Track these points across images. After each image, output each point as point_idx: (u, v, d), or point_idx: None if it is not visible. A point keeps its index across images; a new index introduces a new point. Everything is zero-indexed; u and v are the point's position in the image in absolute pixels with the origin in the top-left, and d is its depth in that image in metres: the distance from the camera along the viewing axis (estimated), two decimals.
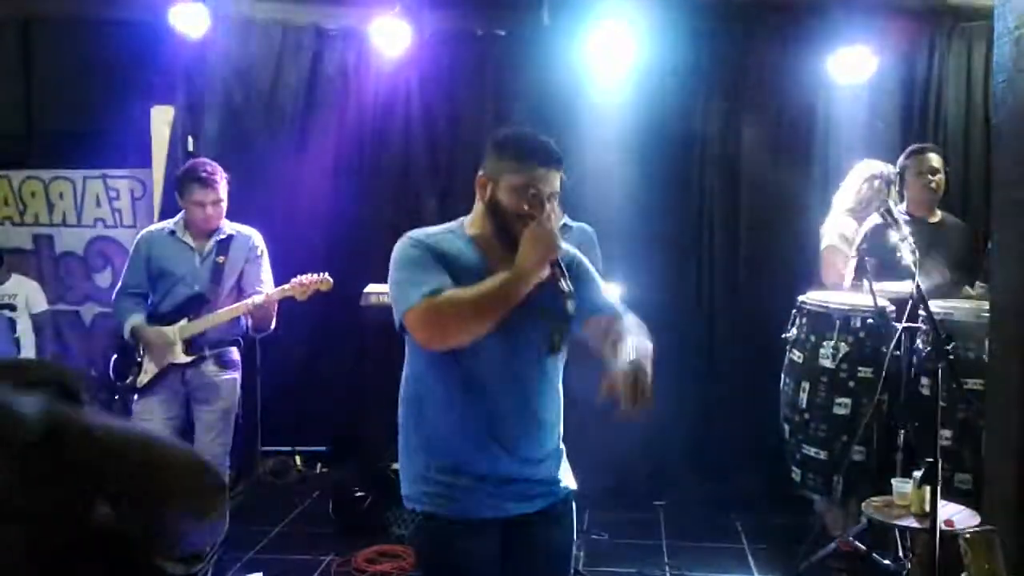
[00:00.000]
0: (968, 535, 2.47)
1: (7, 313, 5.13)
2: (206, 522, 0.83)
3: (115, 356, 4.19)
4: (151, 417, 4.06)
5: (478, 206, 2.46)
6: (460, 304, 2.27)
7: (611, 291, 4.05)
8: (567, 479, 2.57)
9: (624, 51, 4.86)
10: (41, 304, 5.27)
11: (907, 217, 4.41)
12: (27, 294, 5.20)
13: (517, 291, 2.30)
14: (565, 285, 2.32)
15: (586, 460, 2.75)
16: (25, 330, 5.17)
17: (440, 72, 5.36)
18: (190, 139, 5.48)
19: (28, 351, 5.10)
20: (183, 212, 4.20)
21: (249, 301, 4.11)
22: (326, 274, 4.15)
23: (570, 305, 2.32)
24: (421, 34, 5.09)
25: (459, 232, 2.46)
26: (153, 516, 0.78)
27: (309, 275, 4.14)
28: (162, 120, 5.49)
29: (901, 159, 4.49)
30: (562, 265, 2.34)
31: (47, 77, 5.72)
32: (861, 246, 4.18)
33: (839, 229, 4.52)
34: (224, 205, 4.18)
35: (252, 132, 5.47)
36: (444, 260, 2.37)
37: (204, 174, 4.10)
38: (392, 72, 5.29)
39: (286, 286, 4.13)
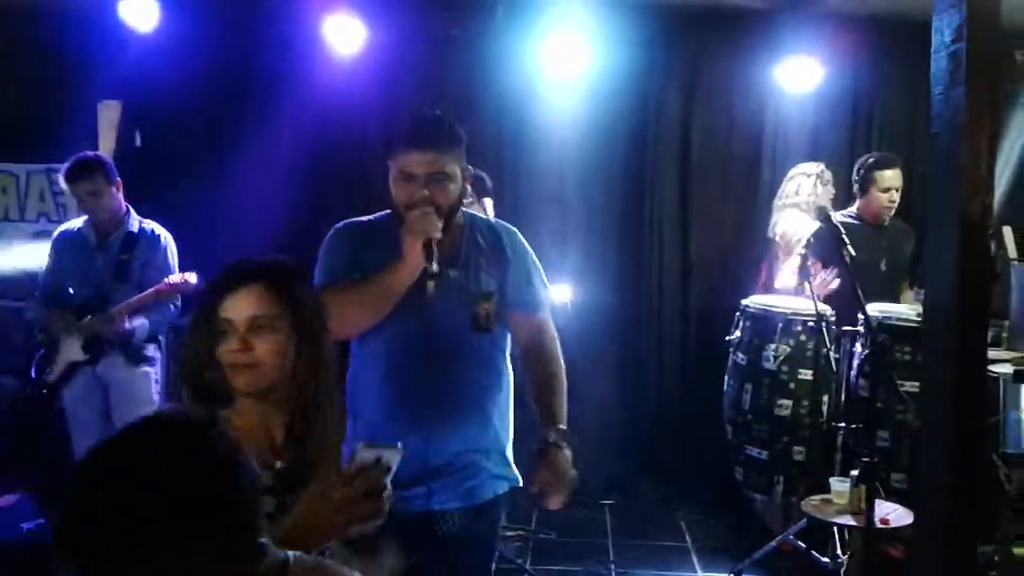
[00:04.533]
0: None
1: None
2: None
3: (40, 352, 4.16)
4: (76, 410, 4.08)
5: None
6: (341, 296, 2.24)
7: (560, 292, 4.10)
8: (508, 473, 2.55)
9: (577, 55, 4.90)
10: None
11: (855, 220, 4.51)
12: None
13: (397, 280, 2.27)
14: (431, 266, 2.26)
15: (533, 459, 2.78)
16: None
17: (393, 71, 5.35)
18: (137, 135, 5.41)
19: None
20: None
21: (134, 300, 4.08)
22: (190, 274, 4.09)
23: (430, 286, 2.28)
24: (375, 33, 5.09)
25: (391, 219, 2.45)
26: None
27: (176, 275, 4.12)
28: (109, 115, 5.41)
29: (866, 167, 4.52)
30: (434, 246, 2.27)
31: None
32: (804, 249, 4.27)
33: (789, 231, 4.58)
34: (108, 197, 4.09)
35: (200, 130, 5.40)
36: (370, 247, 2.38)
37: (76, 166, 4.05)
38: (346, 71, 5.27)
39: (160, 286, 4.09)
